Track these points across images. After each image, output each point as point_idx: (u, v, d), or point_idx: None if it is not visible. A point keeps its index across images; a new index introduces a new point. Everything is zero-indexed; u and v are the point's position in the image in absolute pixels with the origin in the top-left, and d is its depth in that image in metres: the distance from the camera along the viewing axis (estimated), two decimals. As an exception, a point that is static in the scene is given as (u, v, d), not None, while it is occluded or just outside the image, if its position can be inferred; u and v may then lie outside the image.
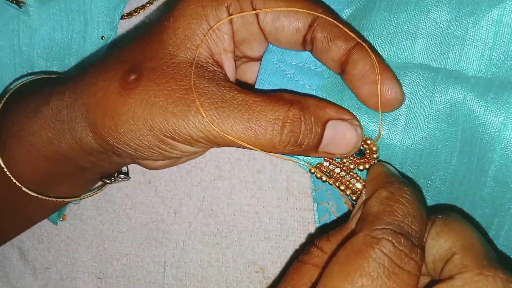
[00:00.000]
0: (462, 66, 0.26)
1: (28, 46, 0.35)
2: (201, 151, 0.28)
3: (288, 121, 0.24)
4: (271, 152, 0.25)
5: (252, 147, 0.25)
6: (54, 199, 0.31)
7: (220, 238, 0.34)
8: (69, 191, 0.32)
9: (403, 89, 0.26)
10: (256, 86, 0.29)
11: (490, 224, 0.26)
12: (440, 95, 0.26)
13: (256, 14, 0.26)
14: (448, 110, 0.26)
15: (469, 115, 0.25)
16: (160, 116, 0.25)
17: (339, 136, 0.25)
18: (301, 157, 0.28)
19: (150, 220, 0.36)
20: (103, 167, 0.30)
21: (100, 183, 0.35)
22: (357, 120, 0.26)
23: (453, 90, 0.25)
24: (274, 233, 0.33)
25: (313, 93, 0.28)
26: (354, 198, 0.27)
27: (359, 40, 0.25)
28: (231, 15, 0.26)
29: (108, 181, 0.33)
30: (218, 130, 0.24)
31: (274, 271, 0.33)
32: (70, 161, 0.29)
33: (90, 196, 0.34)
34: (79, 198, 0.33)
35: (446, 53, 0.26)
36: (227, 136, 0.24)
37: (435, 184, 0.27)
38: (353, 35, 0.25)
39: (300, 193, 0.32)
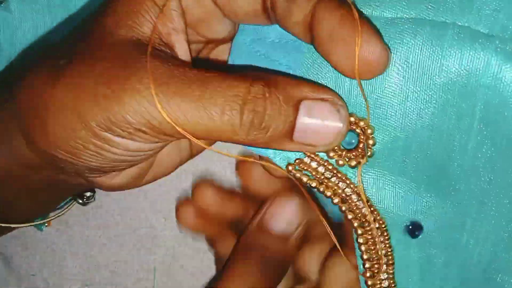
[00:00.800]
0: (474, 20, 0.20)
1: (9, 43, 0.34)
2: (155, 151, 0.23)
3: (250, 97, 0.20)
4: (234, 141, 0.20)
5: (208, 135, 0.20)
6: (12, 226, 0.27)
7: (212, 244, 0.33)
8: (29, 212, 0.29)
9: (395, 52, 0.21)
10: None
11: None
12: (453, 59, 0.20)
13: None
14: (463, 80, 0.20)
15: (494, 85, 0.20)
16: (90, 101, 0.20)
17: (318, 121, 0.20)
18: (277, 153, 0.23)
19: (139, 226, 0.35)
20: (58, 188, 0.26)
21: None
22: (341, 99, 0.21)
23: (470, 53, 0.20)
24: None
25: (291, 72, 0.23)
26: (344, 208, 0.22)
27: None
28: None
29: (80, 201, 0.30)
30: (161, 110, 0.19)
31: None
32: (13, 179, 0.25)
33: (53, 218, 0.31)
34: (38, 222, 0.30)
35: (450, 4, 0.20)
36: (173, 120, 0.19)
37: (450, 175, 0.22)
38: None
39: None
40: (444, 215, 0.23)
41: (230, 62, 0.25)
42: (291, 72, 0.23)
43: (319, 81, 0.22)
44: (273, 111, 0.20)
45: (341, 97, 0.21)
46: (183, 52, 0.22)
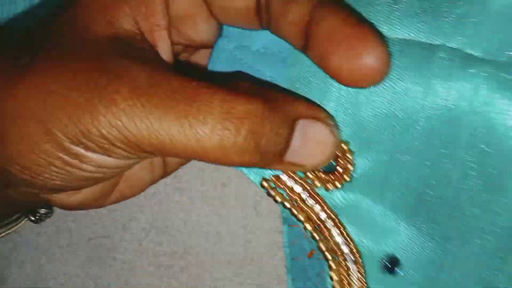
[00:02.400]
0: (467, 43, 0.20)
1: None
2: (128, 168, 0.21)
3: (247, 117, 0.18)
4: (222, 163, 0.18)
5: (192, 155, 0.18)
6: None
7: (174, 260, 0.31)
8: None
9: None
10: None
11: (509, 260, 0.21)
12: (440, 83, 0.20)
13: None
14: (451, 105, 0.20)
15: (484, 113, 0.19)
16: (60, 109, 0.17)
17: (311, 140, 0.19)
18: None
19: (95, 235, 0.32)
20: (2, 203, 0.23)
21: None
22: (333, 118, 0.20)
23: (459, 77, 0.19)
24: (237, 256, 0.31)
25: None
26: (317, 237, 0.21)
27: None
28: None
29: (32, 218, 0.27)
30: (138, 127, 0.17)
31: (235, 301, 0.31)
32: None
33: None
34: None
35: (442, 26, 0.20)
36: (154, 136, 0.17)
37: (431, 206, 0.22)
38: None
39: (269, 212, 0.30)
40: (423, 251, 0.22)
41: (210, 67, 0.24)
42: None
43: (303, 94, 0.22)
44: (271, 132, 0.18)
45: (332, 116, 0.20)
46: (165, 51, 0.21)
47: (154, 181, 0.24)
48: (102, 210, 0.32)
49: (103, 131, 0.17)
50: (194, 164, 0.31)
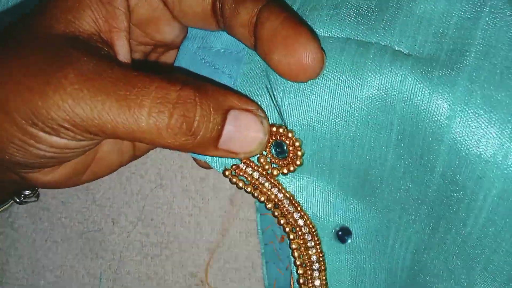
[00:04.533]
0: (395, 41, 0.21)
1: None
2: (85, 149, 0.22)
3: (180, 101, 0.19)
4: (159, 144, 0.20)
5: (132, 136, 0.19)
6: None
7: (160, 249, 0.33)
8: None
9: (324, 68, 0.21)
10: None
11: (437, 226, 0.23)
12: (373, 75, 0.21)
13: None
14: (383, 94, 0.21)
15: (410, 100, 0.21)
16: (14, 91, 0.19)
17: (243, 130, 0.21)
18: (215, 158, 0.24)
19: (87, 229, 0.34)
20: None
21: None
22: (263, 111, 0.22)
23: (389, 70, 0.21)
24: (216, 244, 0.32)
25: (232, 81, 0.24)
26: (276, 214, 0.23)
27: None
28: None
29: (17, 200, 0.29)
30: (82, 110, 0.18)
31: (215, 283, 0.32)
32: None
33: None
34: None
35: (376, 27, 0.22)
36: (97, 117, 0.19)
37: (372, 183, 0.23)
38: None
39: (243, 203, 0.32)
40: (371, 221, 0.24)
41: (175, 66, 0.25)
42: (232, 80, 0.24)
43: (256, 89, 0.23)
44: (202, 117, 0.20)
45: (263, 109, 0.22)
46: (123, 51, 0.22)
47: (124, 163, 0.26)
48: (93, 207, 0.33)
49: (52, 112, 0.19)
50: (175, 162, 0.32)
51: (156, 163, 0.33)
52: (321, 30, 0.22)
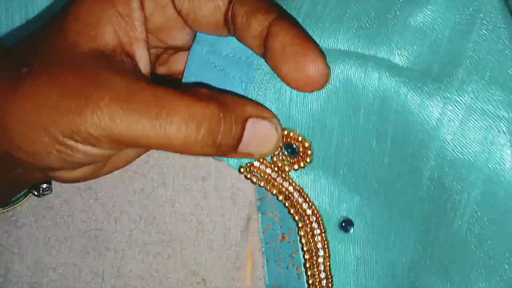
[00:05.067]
0: (392, 55, 0.24)
1: None
2: (114, 155, 0.25)
3: (206, 118, 0.22)
4: (187, 153, 0.23)
5: (163, 148, 0.22)
6: None
7: (162, 248, 0.33)
8: None
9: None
10: (184, 80, 0.27)
11: (429, 224, 0.24)
12: (371, 87, 0.23)
13: None
14: (379, 104, 0.23)
15: (402, 111, 0.23)
16: (54, 113, 0.21)
17: (259, 136, 0.23)
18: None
19: (89, 228, 0.34)
20: (12, 180, 0.27)
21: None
22: (277, 118, 0.25)
23: (385, 82, 0.23)
24: (217, 243, 0.32)
25: (243, 86, 0.26)
26: (287, 204, 0.26)
27: (280, 12, 0.23)
28: None
29: (35, 193, 0.30)
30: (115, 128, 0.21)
31: (216, 282, 0.32)
32: None
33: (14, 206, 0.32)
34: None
35: (374, 39, 0.24)
36: (132, 134, 0.21)
37: (372, 182, 0.26)
38: (273, 8, 0.23)
39: (244, 202, 0.32)
40: (373, 216, 0.26)
41: (186, 71, 0.27)
42: (243, 84, 0.26)
43: (267, 95, 0.25)
44: (225, 130, 0.22)
45: (276, 116, 0.25)
46: (143, 61, 0.24)
47: (139, 155, 0.28)
48: (96, 205, 0.34)
49: (90, 130, 0.21)
50: (177, 162, 0.33)
51: (158, 162, 0.33)
52: (326, 42, 0.24)
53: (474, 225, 0.23)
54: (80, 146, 0.22)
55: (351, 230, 0.26)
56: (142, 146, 0.22)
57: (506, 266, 0.23)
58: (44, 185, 0.31)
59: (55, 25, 0.23)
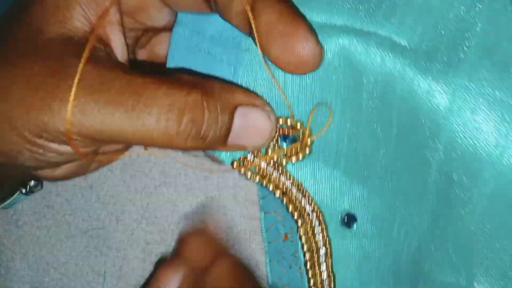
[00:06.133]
0: (394, 31, 0.21)
1: None
2: (95, 151, 0.22)
3: (188, 107, 0.19)
4: (170, 148, 0.20)
5: (142, 143, 0.20)
6: None
7: (164, 247, 0.33)
8: None
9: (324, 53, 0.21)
10: (168, 66, 0.25)
11: (437, 218, 0.23)
12: (374, 69, 0.21)
13: None
14: (382, 88, 0.21)
15: (407, 97, 0.21)
16: (19, 109, 0.19)
17: (251, 125, 0.21)
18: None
19: (91, 227, 0.34)
20: None
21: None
22: (270, 105, 0.22)
23: (388, 64, 0.21)
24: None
25: (231, 70, 0.23)
26: (285, 200, 0.23)
27: None
28: None
29: (23, 191, 0.29)
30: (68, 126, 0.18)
31: (218, 282, 0.32)
32: None
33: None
34: None
35: (374, 14, 0.21)
36: (106, 129, 0.19)
37: (376, 171, 0.23)
38: None
39: (247, 201, 0.31)
40: (376, 208, 0.25)
41: (169, 56, 0.24)
42: (231, 68, 0.23)
43: (258, 79, 0.22)
44: (210, 120, 0.20)
45: (269, 103, 0.22)
46: (119, 46, 0.22)
47: (127, 149, 0.25)
48: (97, 205, 0.34)
49: (59, 127, 0.19)
50: (179, 160, 0.33)
51: (160, 161, 0.33)
52: (318, 17, 0.22)
53: (485, 225, 0.21)
54: (52, 144, 0.20)
55: (354, 226, 0.25)
56: (120, 142, 0.20)
57: None
58: (32, 183, 0.29)
59: (18, 10, 0.21)
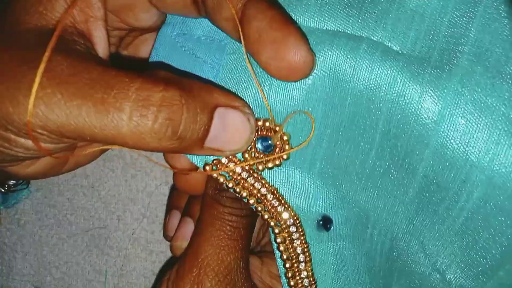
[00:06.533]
0: (387, 37, 0.21)
1: None
2: (64, 148, 0.20)
3: (164, 103, 0.17)
4: (142, 149, 0.18)
5: (112, 140, 0.18)
6: None
7: (165, 246, 0.33)
8: None
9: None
10: (150, 60, 0.24)
11: (413, 220, 0.22)
12: (363, 73, 0.20)
13: None
14: (371, 93, 0.20)
15: (397, 102, 0.20)
16: None
17: (230, 128, 0.19)
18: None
19: (92, 226, 0.34)
20: None
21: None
22: (249, 108, 0.21)
23: (379, 69, 0.20)
24: None
25: (215, 72, 0.22)
26: (259, 209, 0.22)
27: None
28: None
29: (2, 190, 0.28)
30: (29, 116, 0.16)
31: (219, 281, 0.32)
32: None
33: None
34: None
35: (367, 19, 0.21)
36: (73, 123, 0.17)
37: (352, 177, 0.23)
38: None
39: None
40: (350, 210, 0.24)
41: (153, 54, 0.23)
42: (214, 71, 0.22)
43: (241, 82, 0.22)
44: (189, 119, 0.18)
45: (249, 105, 0.21)
46: (101, 42, 0.21)
47: (105, 150, 0.23)
48: (98, 204, 0.34)
49: (24, 119, 0.17)
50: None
51: (161, 161, 0.33)
52: (309, 21, 0.21)
53: (468, 226, 0.21)
54: (17, 138, 0.18)
55: (331, 228, 0.24)
56: (87, 139, 0.18)
57: (501, 273, 0.22)
58: (11, 182, 0.28)
59: (8, 5, 0.20)
